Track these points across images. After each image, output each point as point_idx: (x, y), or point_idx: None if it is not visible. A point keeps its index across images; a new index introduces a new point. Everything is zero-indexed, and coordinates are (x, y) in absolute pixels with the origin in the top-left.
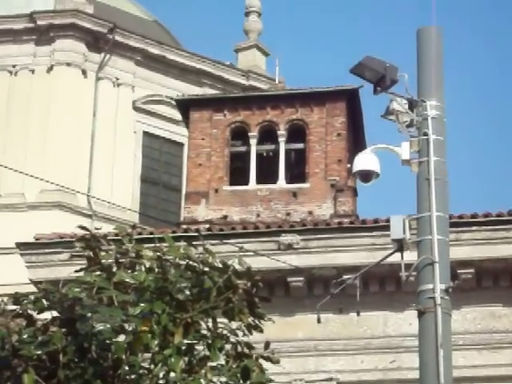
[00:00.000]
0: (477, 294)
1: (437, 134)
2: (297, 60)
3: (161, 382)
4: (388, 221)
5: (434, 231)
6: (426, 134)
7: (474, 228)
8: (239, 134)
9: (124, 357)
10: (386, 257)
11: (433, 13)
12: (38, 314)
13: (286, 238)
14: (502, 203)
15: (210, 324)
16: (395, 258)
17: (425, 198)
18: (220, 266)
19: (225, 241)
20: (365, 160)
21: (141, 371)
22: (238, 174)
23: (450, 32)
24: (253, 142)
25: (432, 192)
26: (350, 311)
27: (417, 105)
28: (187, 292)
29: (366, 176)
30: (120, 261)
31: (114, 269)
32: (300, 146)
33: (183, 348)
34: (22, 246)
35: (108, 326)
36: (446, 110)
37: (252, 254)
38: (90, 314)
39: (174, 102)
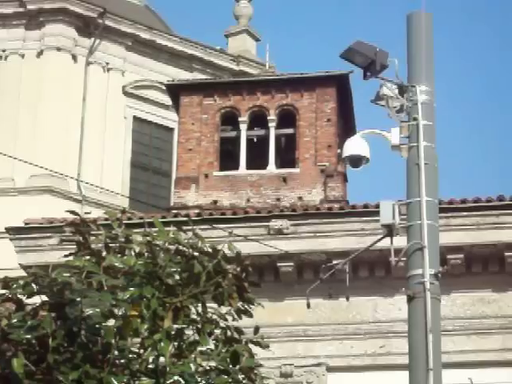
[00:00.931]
0: (466, 279)
1: (427, 119)
2: (287, 45)
3: (150, 366)
4: (378, 206)
5: (423, 216)
6: (415, 119)
7: (463, 213)
8: (229, 119)
9: (113, 341)
10: (376, 242)
11: None
12: (27, 298)
13: (275, 223)
14: (492, 188)
15: (200, 309)
16: (385, 243)
17: (414, 184)
18: (210, 250)
19: (214, 225)
20: (354, 145)
21: (130, 356)
22: (227, 159)
23: (439, 16)
24: (243, 127)
25: (422, 177)
26: (340, 296)
27: (407, 90)
28: (177, 277)
29: (356, 161)
30: (110, 245)
31: (104, 253)
32: (290, 131)
33: (173, 333)
34: (12, 231)
35: (97, 310)
36: (435, 95)
37: (242, 238)
38: (79, 299)
39: (164, 87)
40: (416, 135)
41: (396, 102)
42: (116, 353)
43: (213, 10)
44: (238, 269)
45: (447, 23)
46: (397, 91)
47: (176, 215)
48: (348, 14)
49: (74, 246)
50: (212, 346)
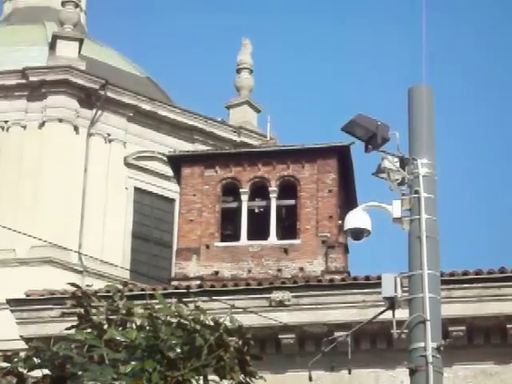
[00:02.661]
0: (468, 351)
1: (428, 192)
2: (288, 116)
3: None
4: (379, 278)
5: (425, 289)
6: (417, 192)
7: (465, 285)
8: (230, 190)
9: None
10: (378, 314)
11: (423, 72)
12: (28, 371)
13: (277, 295)
14: (493, 260)
15: (202, 382)
16: (387, 315)
17: (416, 256)
18: (211, 323)
19: (216, 298)
20: (356, 218)
21: None
22: (229, 230)
23: (441, 89)
24: (244, 198)
25: (423, 250)
26: (342, 369)
27: (408, 163)
28: (178, 350)
29: (358, 234)
30: (111, 318)
31: (105, 326)
32: (291, 202)
33: None
34: (13, 303)
35: None
36: (437, 169)
37: (243, 310)
38: (80, 373)
39: (165, 158)
40: (417, 208)
41: (397, 175)
42: None
43: (214, 82)
44: (240, 342)
45: (449, 96)
46: (398, 164)
47: (177, 287)
48: (349, 86)
49: (76, 319)
50: None
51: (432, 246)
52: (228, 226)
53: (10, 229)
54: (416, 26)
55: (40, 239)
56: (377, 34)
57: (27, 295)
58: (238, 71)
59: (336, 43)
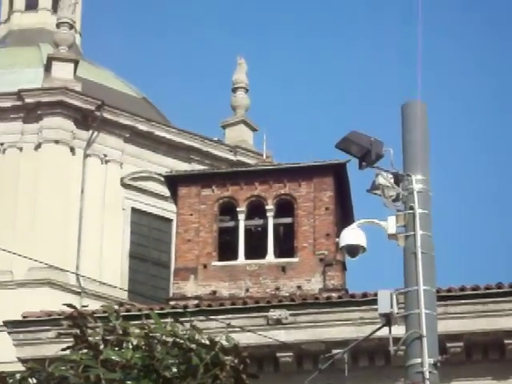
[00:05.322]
0: (466, 367)
1: (423, 207)
2: (284, 135)
3: None
4: (376, 295)
5: (421, 305)
6: (412, 208)
7: (462, 301)
8: (227, 209)
9: None
10: (374, 331)
11: (418, 88)
12: None
13: (274, 314)
14: (490, 276)
15: None
16: (384, 332)
17: (412, 272)
18: (207, 342)
19: (212, 317)
20: (351, 235)
21: None
22: (226, 249)
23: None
24: (241, 217)
25: (419, 266)
26: None
27: (402, 179)
28: (174, 369)
29: (353, 250)
30: (107, 338)
31: (101, 346)
32: (288, 220)
33: None
34: (10, 324)
35: None
36: (431, 184)
37: (240, 329)
38: None
39: (162, 179)
40: (412, 224)
41: (392, 192)
42: None
43: (210, 101)
44: (236, 360)
45: (443, 111)
46: (392, 180)
47: (174, 306)
48: (344, 103)
49: (72, 339)
50: None
51: (427, 261)
52: (225, 245)
53: (7, 251)
54: (410, 41)
55: (38, 261)
56: (371, 49)
57: (24, 317)
58: (234, 90)
59: (330, 61)
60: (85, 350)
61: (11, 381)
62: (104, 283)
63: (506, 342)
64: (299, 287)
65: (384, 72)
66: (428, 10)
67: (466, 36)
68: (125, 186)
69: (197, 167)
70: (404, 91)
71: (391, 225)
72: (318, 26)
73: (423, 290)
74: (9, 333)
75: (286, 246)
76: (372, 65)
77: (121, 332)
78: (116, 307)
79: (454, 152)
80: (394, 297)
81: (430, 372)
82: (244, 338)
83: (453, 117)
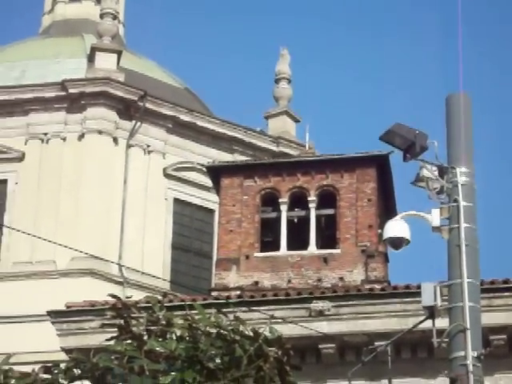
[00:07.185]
0: (509, 360)
1: (467, 200)
2: (327, 126)
3: None
4: (419, 287)
5: (465, 298)
6: (456, 201)
7: (505, 294)
8: (270, 200)
9: None
10: (418, 324)
11: (460, 80)
12: (69, 383)
13: (316, 305)
14: None
15: None
16: (427, 324)
17: (456, 265)
18: (251, 334)
19: (255, 308)
20: (395, 227)
21: None
22: (268, 240)
23: (479, 97)
24: (283, 208)
25: (463, 259)
26: (382, 378)
27: (447, 171)
28: (218, 360)
29: (397, 243)
30: (151, 329)
31: (145, 337)
32: (330, 211)
33: None
34: (53, 314)
35: None
36: (475, 177)
37: (282, 321)
38: None
39: (204, 169)
40: (456, 217)
41: (436, 184)
42: None
43: (253, 92)
44: (280, 352)
45: (487, 104)
46: (437, 173)
47: (217, 297)
48: (387, 95)
49: (116, 330)
50: None
51: (471, 254)
52: (267, 236)
53: (50, 241)
54: (453, 33)
55: (80, 251)
56: (415, 42)
57: (67, 307)
58: (277, 81)
59: (373, 52)
60: (129, 341)
61: (56, 371)
62: (146, 273)
63: None
64: (341, 279)
65: (428, 64)
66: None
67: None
68: (167, 176)
69: (239, 158)
70: (448, 83)
71: (435, 217)
72: (360, 17)
73: (467, 282)
74: (52, 323)
75: (327, 238)
76: (416, 56)
77: (164, 323)
78: (160, 298)
79: (498, 145)
80: (438, 289)
81: (473, 365)
82: (286, 330)
83: (496, 109)
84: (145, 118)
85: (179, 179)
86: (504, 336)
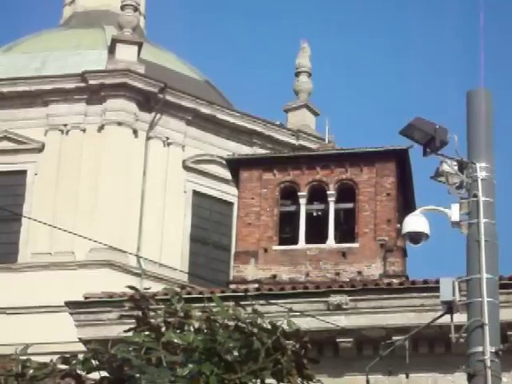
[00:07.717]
0: None
1: (486, 195)
2: (346, 119)
3: None
4: (437, 282)
5: (483, 294)
6: (475, 196)
7: None
8: (288, 193)
9: None
10: (436, 318)
11: (481, 76)
12: (86, 373)
13: (335, 299)
14: None
15: None
16: (445, 319)
17: (474, 260)
18: (269, 327)
19: (273, 301)
20: (414, 222)
21: None
22: (287, 234)
23: (499, 94)
24: (302, 201)
25: (482, 254)
26: (400, 373)
27: (467, 166)
28: (236, 353)
29: (416, 237)
30: (169, 321)
31: (163, 329)
32: (349, 205)
33: None
34: (71, 305)
35: None
36: (495, 172)
37: (300, 314)
38: (138, 375)
39: (224, 162)
40: (476, 212)
41: (456, 179)
42: None
43: (272, 86)
44: (297, 345)
45: (507, 99)
46: (456, 168)
47: (235, 290)
48: (408, 89)
49: (134, 321)
50: None
51: (490, 249)
52: (286, 229)
53: (69, 232)
54: (474, 28)
55: (99, 242)
56: (435, 37)
57: (86, 298)
58: (297, 74)
59: (394, 46)
60: (147, 333)
61: (74, 361)
62: (164, 265)
63: None
64: (359, 273)
65: (449, 59)
66: None
67: None
68: (186, 168)
69: (259, 151)
70: (469, 79)
71: (455, 212)
72: (381, 11)
73: (486, 278)
74: (70, 313)
75: (346, 232)
76: (437, 51)
77: (182, 315)
78: (178, 290)
79: None
80: (456, 284)
81: (491, 360)
82: (304, 323)
83: None
84: (164, 110)
85: (198, 172)
86: None
